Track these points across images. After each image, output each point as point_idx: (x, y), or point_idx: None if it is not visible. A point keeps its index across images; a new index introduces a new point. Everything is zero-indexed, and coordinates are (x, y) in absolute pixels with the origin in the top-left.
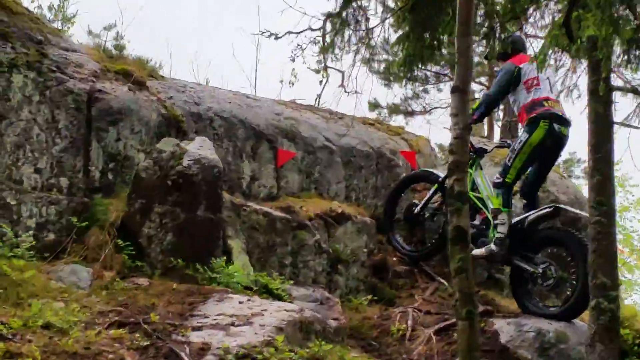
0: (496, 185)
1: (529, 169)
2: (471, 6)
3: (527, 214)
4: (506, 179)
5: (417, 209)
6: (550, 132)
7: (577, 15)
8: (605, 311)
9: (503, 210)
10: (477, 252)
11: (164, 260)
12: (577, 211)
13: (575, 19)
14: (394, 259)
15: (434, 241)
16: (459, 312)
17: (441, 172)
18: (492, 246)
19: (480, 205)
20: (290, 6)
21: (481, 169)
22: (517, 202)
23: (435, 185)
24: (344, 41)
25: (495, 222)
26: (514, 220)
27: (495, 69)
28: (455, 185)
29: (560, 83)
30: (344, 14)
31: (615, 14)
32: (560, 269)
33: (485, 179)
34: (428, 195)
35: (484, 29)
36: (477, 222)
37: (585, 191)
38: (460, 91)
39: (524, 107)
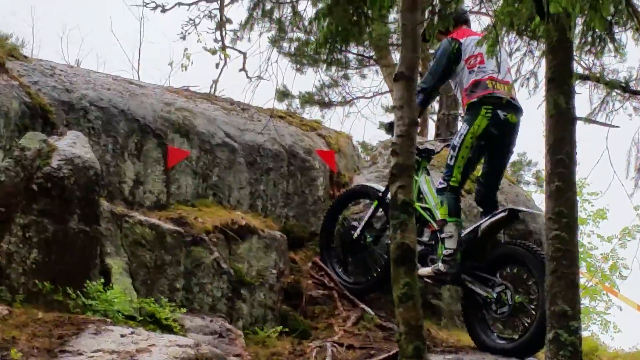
0: (440, 191)
1: (481, 169)
2: None
3: (478, 223)
4: (451, 182)
5: (356, 233)
6: (495, 120)
7: None
8: (565, 345)
9: (449, 221)
10: (422, 271)
11: (27, 283)
12: (536, 211)
13: None
14: (309, 281)
15: (379, 270)
16: (404, 348)
17: (381, 185)
18: (440, 265)
19: (428, 218)
20: None
21: (428, 174)
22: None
23: (375, 202)
24: (265, 16)
25: (442, 235)
26: (465, 232)
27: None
28: (399, 194)
29: (514, 67)
30: None
31: None
32: (517, 294)
33: (432, 186)
34: (368, 215)
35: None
36: (425, 237)
37: (537, 199)
38: (406, 79)
39: (465, 91)
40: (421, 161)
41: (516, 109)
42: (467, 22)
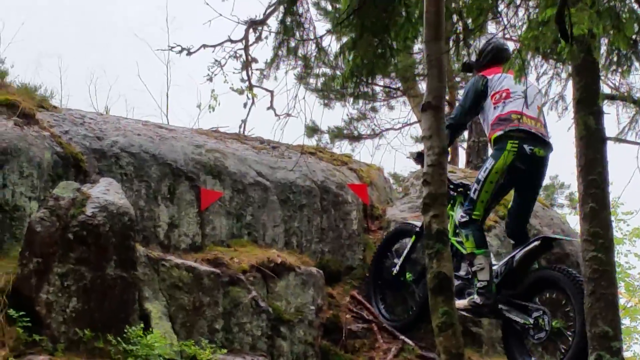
0: (463, 225)
1: (511, 202)
2: (441, 5)
3: (512, 254)
4: (473, 216)
5: (395, 270)
6: (520, 154)
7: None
8: None
9: (477, 253)
10: (459, 303)
11: (68, 332)
12: (570, 238)
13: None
14: (348, 316)
15: (414, 308)
16: None
17: (418, 221)
18: (476, 297)
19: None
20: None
21: None
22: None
23: (413, 237)
24: (290, 53)
25: (473, 269)
26: (499, 263)
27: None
28: (433, 223)
29: (541, 96)
30: (287, 21)
31: (614, 5)
32: (555, 319)
33: None
34: (406, 251)
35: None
36: (462, 272)
37: (572, 222)
38: (433, 108)
39: (491, 126)
40: (457, 196)
41: (544, 144)
42: (507, 59)
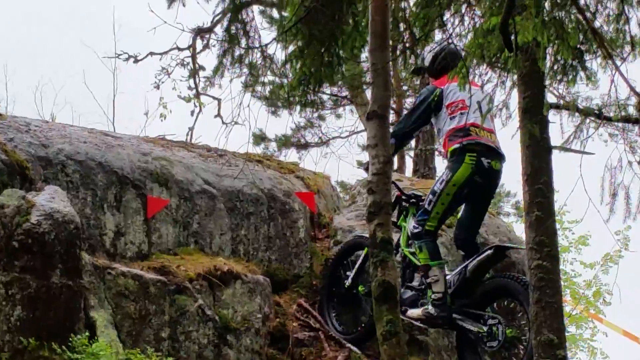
0: (416, 236)
1: (461, 212)
2: (386, 15)
3: (465, 263)
4: (426, 227)
5: (348, 283)
6: (479, 168)
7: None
8: None
9: (432, 265)
10: (412, 312)
11: (12, 341)
12: (523, 247)
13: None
14: (295, 324)
15: (367, 321)
16: None
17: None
18: (430, 308)
19: (418, 262)
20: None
21: None
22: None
23: (365, 250)
24: (235, 62)
25: (428, 280)
26: (452, 274)
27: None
28: (378, 232)
29: (486, 102)
30: (232, 29)
31: (558, 16)
32: (509, 327)
33: None
34: (358, 264)
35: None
36: (415, 282)
37: (518, 230)
38: (379, 117)
39: (446, 137)
40: (409, 207)
41: (500, 157)
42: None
